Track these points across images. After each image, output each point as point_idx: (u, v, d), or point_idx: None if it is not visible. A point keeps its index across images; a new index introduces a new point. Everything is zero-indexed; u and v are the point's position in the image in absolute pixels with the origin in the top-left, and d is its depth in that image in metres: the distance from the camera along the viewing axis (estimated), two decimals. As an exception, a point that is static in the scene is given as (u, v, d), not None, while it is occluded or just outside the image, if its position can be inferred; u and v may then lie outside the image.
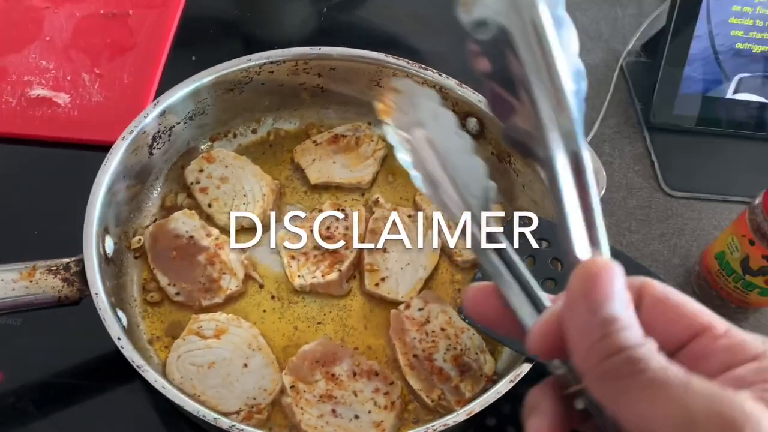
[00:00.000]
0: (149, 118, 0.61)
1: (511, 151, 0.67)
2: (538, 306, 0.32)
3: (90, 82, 0.76)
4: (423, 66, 0.69)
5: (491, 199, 0.36)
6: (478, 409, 0.48)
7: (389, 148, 0.73)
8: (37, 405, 0.57)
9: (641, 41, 0.94)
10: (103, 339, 0.59)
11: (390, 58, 0.69)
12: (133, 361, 0.47)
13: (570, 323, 0.28)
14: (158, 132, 0.63)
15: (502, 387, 0.49)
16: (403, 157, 0.39)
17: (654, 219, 0.77)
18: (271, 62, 0.68)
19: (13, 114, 0.72)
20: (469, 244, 0.34)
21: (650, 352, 0.26)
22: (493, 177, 0.71)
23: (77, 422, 0.57)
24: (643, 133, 0.84)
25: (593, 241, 0.30)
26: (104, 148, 0.61)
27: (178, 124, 0.65)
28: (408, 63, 0.69)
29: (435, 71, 0.69)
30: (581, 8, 1.01)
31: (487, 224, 0.35)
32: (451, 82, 0.68)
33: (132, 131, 0.59)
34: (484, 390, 0.57)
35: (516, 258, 0.33)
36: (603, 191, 0.63)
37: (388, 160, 0.73)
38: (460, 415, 0.48)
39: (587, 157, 0.30)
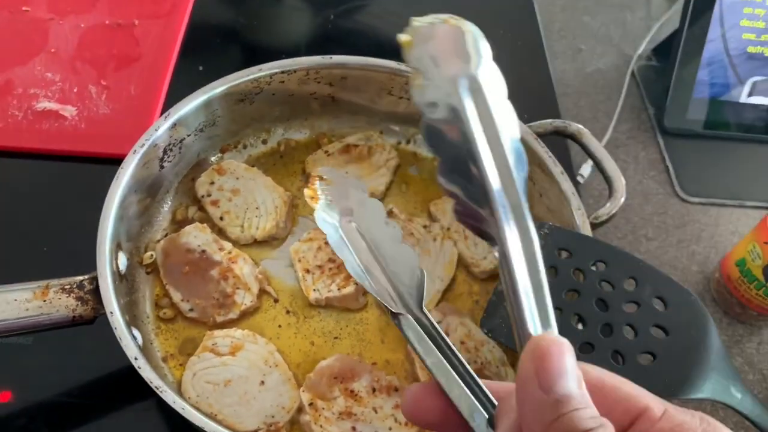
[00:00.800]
0: (160, 131, 0.60)
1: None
2: (481, 400, 0.33)
3: (97, 94, 0.75)
4: (436, 74, 0.68)
5: (422, 285, 0.40)
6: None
7: (402, 157, 0.72)
8: (49, 426, 0.56)
9: (652, 45, 0.94)
10: (114, 356, 0.58)
11: (402, 66, 0.68)
12: (151, 382, 0.46)
13: (523, 403, 0.27)
14: (169, 145, 0.62)
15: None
16: (333, 241, 0.43)
17: (671, 225, 0.76)
18: (283, 72, 0.67)
19: (20, 127, 0.71)
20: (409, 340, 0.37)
21: None
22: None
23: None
24: (657, 138, 0.84)
25: (543, 319, 0.30)
26: (112, 161, 0.60)
27: (188, 136, 0.64)
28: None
29: (448, 79, 0.67)
30: (590, 12, 1.00)
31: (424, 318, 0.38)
32: (465, 90, 0.67)
33: (143, 144, 0.58)
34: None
35: (458, 355, 0.36)
36: (623, 199, 0.62)
37: (400, 170, 0.72)
38: (486, 434, 0.46)
39: (535, 234, 0.30)
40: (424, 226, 0.66)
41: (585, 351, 0.50)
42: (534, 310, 0.29)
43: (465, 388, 0.33)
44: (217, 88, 0.64)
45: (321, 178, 0.53)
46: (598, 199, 0.76)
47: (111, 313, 0.48)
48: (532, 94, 0.84)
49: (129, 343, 0.47)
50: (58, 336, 0.57)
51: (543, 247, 0.55)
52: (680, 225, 0.76)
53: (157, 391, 0.46)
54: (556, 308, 0.52)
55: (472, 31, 0.34)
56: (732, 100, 0.83)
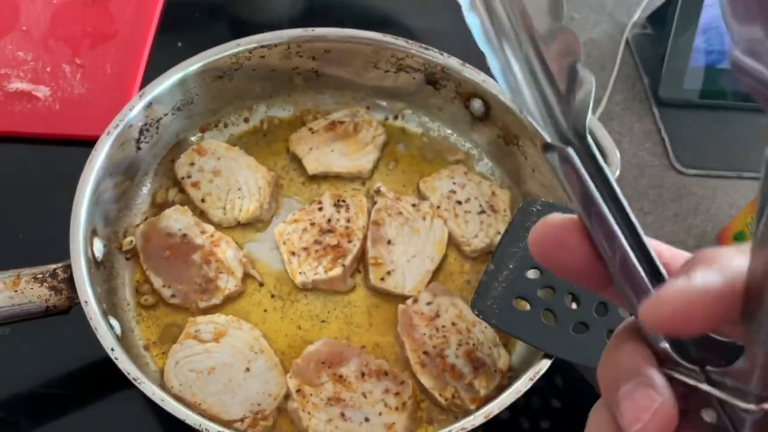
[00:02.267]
0: (135, 110, 0.57)
1: (519, 133, 0.63)
2: (644, 253, 0.25)
3: (71, 73, 0.72)
4: (423, 45, 0.65)
5: (588, 100, 0.26)
6: (497, 411, 0.46)
7: (389, 134, 0.70)
8: (29, 417, 0.54)
9: (646, 13, 0.91)
10: (95, 346, 0.56)
11: (388, 38, 0.65)
12: (128, 374, 0.44)
13: None
14: (145, 125, 0.59)
15: (522, 386, 0.46)
16: (472, 19, 0.28)
17: (667, 198, 0.74)
18: (262, 46, 0.64)
19: (-9, 110, 0.68)
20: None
21: None
22: (500, 159, 0.69)
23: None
24: (652, 108, 0.81)
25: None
26: (89, 143, 0.58)
27: (165, 115, 0.62)
28: (407, 42, 0.65)
29: (436, 50, 0.65)
30: (582, -20, 0.97)
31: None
32: (453, 62, 0.65)
33: (117, 125, 0.56)
34: (500, 386, 0.54)
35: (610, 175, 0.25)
36: (618, 172, 0.60)
37: (388, 146, 0.70)
38: (477, 418, 0.45)
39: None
40: (413, 205, 0.64)
41: (579, 331, 0.48)
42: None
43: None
44: (194, 64, 0.61)
45: None
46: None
47: (86, 302, 0.46)
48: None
49: (105, 333, 0.45)
50: (37, 326, 0.55)
51: (534, 224, 0.54)
52: (676, 198, 0.74)
53: (135, 383, 0.44)
54: (549, 287, 0.51)
55: None
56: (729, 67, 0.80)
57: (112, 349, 0.45)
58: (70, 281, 0.48)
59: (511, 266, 0.52)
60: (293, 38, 0.64)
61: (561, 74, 0.26)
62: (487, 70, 0.64)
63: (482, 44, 0.28)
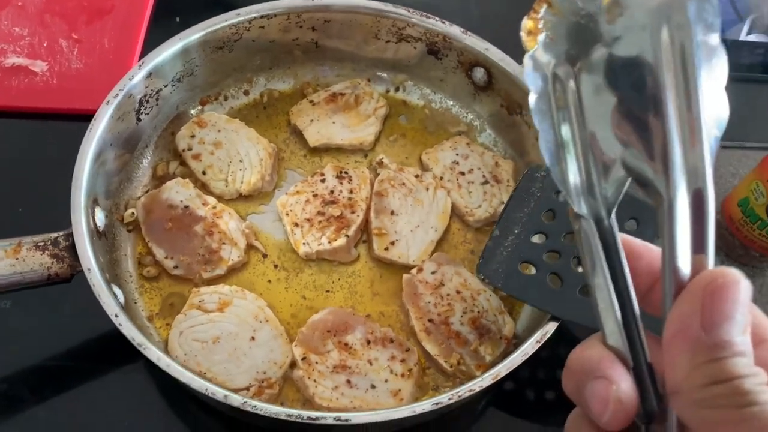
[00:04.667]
0: (135, 80, 0.57)
1: (522, 103, 0.63)
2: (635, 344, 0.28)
3: (68, 48, 0.71)
4: (425, 14, 0.64)
5: (622, 186, 0.29)
6: (504, 372, 0.45)
7: (390, 106, 0.69)
8: (32, 391, 0.54)
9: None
10: (98, 318, 0.55)
11: (389, 7, 0.64)
12: (133, 339, 0.44)
13: (675, 337, 0.25)
14: (145, 96, 0.59)
15: (529, 348, 0.46)
16: (536, 104, 0.30)
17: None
18: (262, 16, 0.63)
19: (-12, 85, 0.68)
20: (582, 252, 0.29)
21: (760, 385, 0.24)
22: (502, 130, 0.68)
23: (77, 406, 0.54)
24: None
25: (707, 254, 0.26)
26: (87, 117, 0.57)
27: (165, 86, 0.61)
28: (408, 11, 0.64)
29: (437, 19, 0.64)
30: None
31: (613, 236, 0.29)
32: (455, 30, 0.64)
33: (117, 95, 0.55)
34: (505, 353, 0.54)
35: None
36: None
37: (390, 119, 0.69)
38: (485, 380, 0.45)
39: (712, 196, 0.26)
40: (416, 176, 0.63)
41: (586, 293, 0.48)
42: (709, 241, 0.26)
43: (621, 328, 0.28)
44: (194, 34, 0.60)
45: (549, 4, 0.37)
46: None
47: (88, 269, 0.46)
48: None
49: (108, 300, 0.45)
50: (38, 298, 0.55)
51: (540, 190, 0.53)
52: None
53: (140, 349, 0.44)
54: (554, 251, 0.50)
55: None
56: (731, 38, 0.80)
57: (116, 316, 0.45)
58: (71, 249, 0.47)
59: (516, 231, 0.51)
60: (293, 8, 0.64)
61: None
62: (490, 39, 0.64)
63: (537, 106, 0.30)
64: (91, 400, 0.55)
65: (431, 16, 0.65)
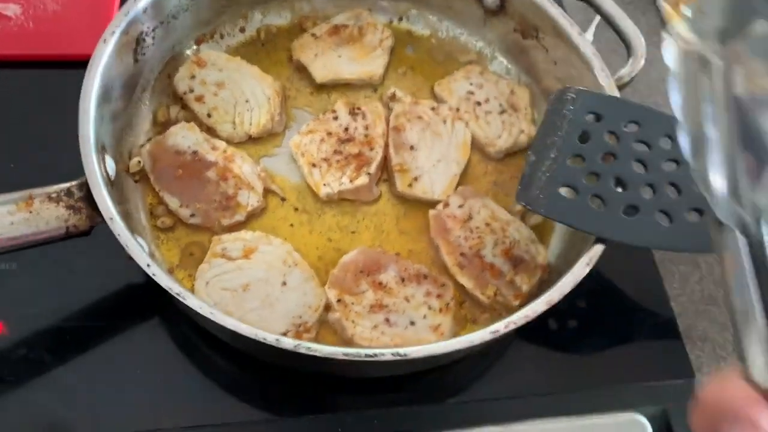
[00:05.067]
0: (130, 15, 0.52)
1: (539, 24, 0.60)
2: None
3: (41, -12, 0.65)
4: (432, -66, 0.61)
5: None
6: (558, 298, 0.44)
7: (396, 37, 0.66)
8: (52, 353, 0.51)
9: None
10: (111, 274, 0.53)
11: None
12: (170, 289, 0.41)
13: None
14: (142, 33, 0.54)
15: (580, 270, 0.45)
16: (677, 90, 0.26)
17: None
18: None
19: (-44, 32, 0.62)
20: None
21: None
22: (516, 56, 0.65)
23: (98, 366, 0.51)
24: (655, 3, 0.79)
25: None
26: (69, 63, 0.53)
27: (161, 23, 0.56)
28: (414, -68, 0.60)
29: (446, -60, 0.61)
30: None
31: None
32: (466, -49, 0.61)
33: (113, 32, 0.51)
34: (541, 281, 0.53)
35: None
36: (644, 59, 0.58)
37: (396, 51, 0.66)
38: (539, 305, 0.44)
39: None
40: (432, 108, 0.61)
41: (629, 214, 0.47)
42: None
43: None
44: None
45: None
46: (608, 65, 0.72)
47: (110, 218, 0.43)
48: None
49: (136, 249, 0.42)
50: (46, 258, 0.51)
51: (571, 113, 0.52)
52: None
53: (179, 298, 0.41)
54: (593, 173, 0.49)
55: None
56: None
57: (148, 265, 0.42)
58: (87, 199, 0.44)
59: (552, 155, 0.50)
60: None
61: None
62: None
63: (677, 92, 0.25)
64: (112, 358, 0.52)
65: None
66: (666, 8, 0.37)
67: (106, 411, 0.49)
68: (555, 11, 0.58)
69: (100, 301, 0.53)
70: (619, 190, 0.49)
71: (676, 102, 0.26)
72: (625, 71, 0.57)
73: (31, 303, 0.52)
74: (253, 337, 0.40)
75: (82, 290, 0.53)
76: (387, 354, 0.40)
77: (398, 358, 0.40)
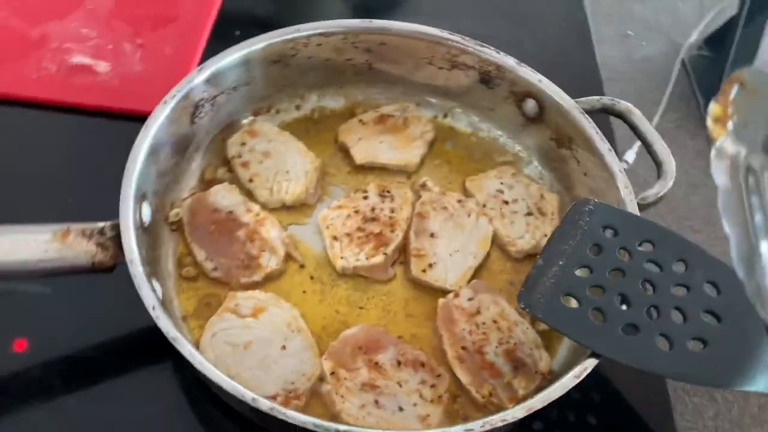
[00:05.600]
0: (193, 83, 0.58)
1: (573, 136, 0.62)
2: None
3: (131, 52, 0.74)
4: (480, 43, 0.65)
5: None
6: (539, 406, 0.44)
7: (438, 131, 0.70)
8: (63, 379, 0.54)
9: (704, 35, 0.90)
10: (134, 313, 0.56)
11: (445, 34, 0.65)
12: (167, 333, 0.44)
13: None
14: (201, 100, 0.60)
15: (567, 382, 0.45)
16: (726, 203, 0.26)
17: (719, 218, 0.72)
18: (320, 34, 0.64)
19: (53, 81, 0.70)
20: None
21: None
22: (550, 163, 0.67)
23: (103, 399, 0.54)
24: (706, 128, 0.79)
25: None
26: (143, 118, 0.58)
27: (221, 93, 0.62)
28: (464, 39, 0.65)
29: (492, 49, 0.65)
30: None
31: None
32: (510, 61, 0.64)
33: (174, 96, 0.57)
34: (539, 388, 0.53)
35: None
36: (672, 182, 0.58)
37: (436, 144, 0.69)
38: (518, 411, 0.44)
39: None
40: (459, 201, 0.63)
41: (628, 333, 0.47)
42: None
43: None
44: (255, 45, 0.62)
45: (742, 83, 0.33)
46: (644, 186, 0.72)
47: (131, 260, 0.46)
48: (576, 78, 0.80)
49: (148, 292, 0.45)
50: (79, 288, 0.56)
51: (587, 224, 0.52)
52: (729, 218, 0.72)
53: (173, 343, 0.44)
54: (598, 287, 0.49)
55: None
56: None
57: (153, 308, 0.45)
58: (116, 240, 0.48)
59: (561, 263, 0.50)
60: (351, 28, 0.65)
61: None
62: (542, 71, 0.64)
63: (726, 205, 0.25)
64: (119, 394, 0.54)
65: (486, 45, 0.65)
66: (712, 126, 0.38)
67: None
68: (588, 126, 0.60)
69: (120, 337, 0.57)
70: (624, 307, 0.48)
71: (726, 216, 0.26)
72: (652, 191, 0.58)
73: (56, 328, 0.56)
74: (232, 392, 0.42)
75: (104, 324, 0.57)
76: None
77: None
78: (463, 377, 0.53)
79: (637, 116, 0.62)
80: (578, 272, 0.50)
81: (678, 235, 0.52)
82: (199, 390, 0.55)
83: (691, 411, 0.57)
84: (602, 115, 0.64)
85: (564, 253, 0.51)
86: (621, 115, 0.63)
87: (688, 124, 0.80)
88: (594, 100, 0.63)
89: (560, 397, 0.45)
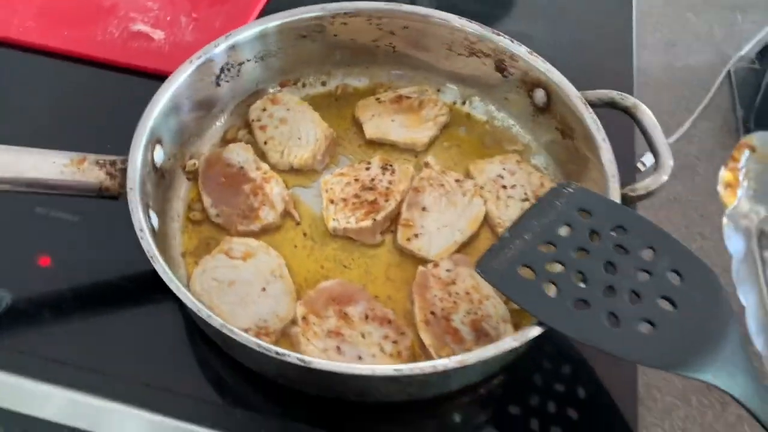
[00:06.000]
0: (217, 49, 0.64)
1: (575, 127, 0.63)
2: None
3: (185, 24, 0.81)
4: (495, 31, 0.67)
5: None
6: (472, 360, 0.46)
7: (454, 117, 0.72)
8: (77, 299, 0.59)
9: (756, 48, 0.86)
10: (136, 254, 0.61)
11: (463, 21, 0.68)
12: (148, 251, 0.49)
13: None
14: (226, 64, 0.66)
15: (505, 344, 0.46)
16: (739, 270, 0.25)
17: (733, 228, 0.69)
18: (345, 13, 0.69)
19: (114, 44, 0.79)
20: None
21: None
22: (557, 155, 0.68)
23: (110, 324, 0.59)
24: (741, 139, 0.77)
25: None
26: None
27: (248, 61, 0.68)
28: (480, 26, 0.68)
29: (507, 37, 0.67)
30: (695, 10, 0.94)
31: None
32: (522, 50, 0.66)
33: (200, 57, 0.63)
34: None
35: None
36: (666, 177, 0.58)
37: (450, 128, 0.72)
38: (451, 362, 0.46)
39: None
40: (457, 180, 0.65)
41: (579, 307, 0.48)
42: None
43: None
44: (274, 21, 0.67)
45: (752, 149, 0.33)
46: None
47: (131, 188, 0.53)
48: (606, 80, 0.80)
49: (139, 216, 0.51)
50: (108, 220, 0.61)
51: (562, 205, 0.53)
52: (745, 229, 0.69)
53: (151, 260, 0.49)
54: (560, 263, 0.50)
55: None
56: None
57: (141, 230, 0.51)
58: (123, 172, 0.54)
59: (526, 237, 0.52)
60: (374, 9, 0.69)
61: None
62: (574, 70, 0.65)
63: (740, 272, 0.25)
64: (126, 321, 0.59)
65: (501, 33, 0.67)
66: (723, 192, 0.37)
67: (111, 363, 0.56)
68: (586, 114, 0.61)
69: (136, 271, 0.62)
70: (581, 284, 0.49)
71: (739, 284, 0.25)
72: (643, 184, 0.58)
73: (81, 251, 0.62)
74: (198, 312, 0.47)
75: (125, 257, 0.62)
76: (292, 357, 0.45)
77: (303, 364, 0.44)
78: (426, 339, 0.55)
79: (643, 111, 0.61)
80: (543, 248, 0.51)
81: (652, 224, 0.52)
82: (200, 332, 0.59)
83: (660, 409, 0.56)
84: (625, 118, 0.63)
85: (532, 229, 0.52)
86: (627, 111, 0.63)
87: (721, 134, 0.78)
88: (602, 92, 0.64)
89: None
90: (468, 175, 0.67)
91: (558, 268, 0.50)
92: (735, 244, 0.25)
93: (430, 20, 0.69)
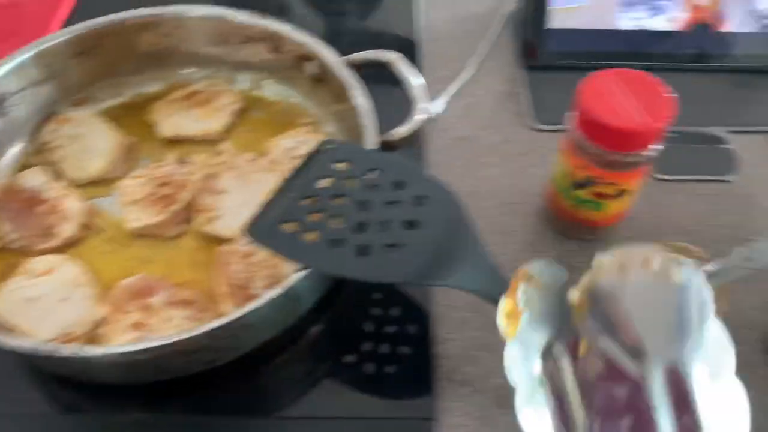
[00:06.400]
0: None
1: (345, 91, 0.67)
2: None
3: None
4: (260, 15, 0.71)
5: None
6: (238, 314, 0.49)
7: (247, 103, 0.76)
8: None
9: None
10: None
11: (231, 11, 0.72)
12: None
13: None
14: (4, 94, 0.67)
15: (267, 294, 0.50)
16: (526, 405, 0.27)
17: (515, 153, 0.76)
18: (110, 23, 0.71)
19: None
20: None
21: None
22: (339, 118, 0.73)
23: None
24: (521, 73, 0.84)
25: None
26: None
27: (23, 89, 0.69)
28: (249, 16, 0.71)
29: (272, 18, 0.71)
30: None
31: None
32: (285, 28, 0.70)
33: (-33, 91, 0.64)
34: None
35: None
36: (418, 117, 0.63)
37: (245, 114, 0.76)
38: (222, 320, 0.49)
39: None
40: (251, 160, 0.69)
41: (334, 246, 0.52)
42: None
43: None
44: (27, 52, 0.68)
45: (529, 277, 0.32)
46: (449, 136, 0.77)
47: None
48: (393, 44, 0.85)
49: None
50: None
51: (322, 160, 0.58)
52: (525, 152, 0.76)
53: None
54: (320, 212, 0.54)
55: (692, 282, 0.24)
56: (604, 28, 0.82)
57: None
58: None
59: (290, 195, 0.56)
60: (139, 17, 0.72)
61: None
62: (367, 41, 0.69)
63: (527, 408, 0.27)
64: None
65: (267, 16, 0.71)
66: (502, 324, 0.36)
67: None
68: (344, 72, 0.66)
69: None
70: (338, 227, 0.54)
71: (525, 420, 0.27)
72: (398, 130, 0.63)
73: None
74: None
75: None
76: (65, 350, 0.47)
77: (76, 356, 0.47)
78: (225, 308, 0.58)
79: (401, 64, 0.67)
80: (306, 202, 0.56)
81: (405, 161, 0.57)
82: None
83: (457, 323, 0.62)
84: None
85: (294, 188, 0.56)
86: (389, 66, 0.68)
87: (502, 70, 0.84)
88: (362, 54, 0.69)
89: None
90: (264, 154, 0.71)
91: (319, 217, 0.54)
92: (518, 376, 0.25)
93: (194, 17, 0.73)
